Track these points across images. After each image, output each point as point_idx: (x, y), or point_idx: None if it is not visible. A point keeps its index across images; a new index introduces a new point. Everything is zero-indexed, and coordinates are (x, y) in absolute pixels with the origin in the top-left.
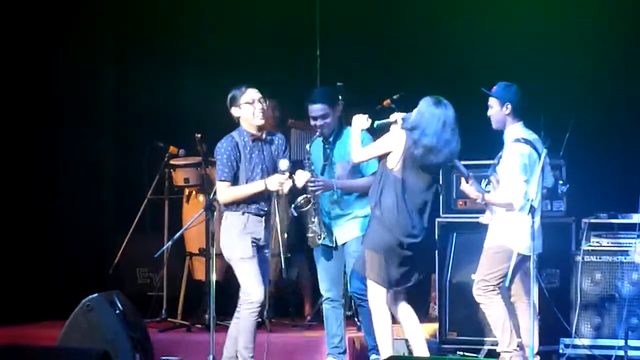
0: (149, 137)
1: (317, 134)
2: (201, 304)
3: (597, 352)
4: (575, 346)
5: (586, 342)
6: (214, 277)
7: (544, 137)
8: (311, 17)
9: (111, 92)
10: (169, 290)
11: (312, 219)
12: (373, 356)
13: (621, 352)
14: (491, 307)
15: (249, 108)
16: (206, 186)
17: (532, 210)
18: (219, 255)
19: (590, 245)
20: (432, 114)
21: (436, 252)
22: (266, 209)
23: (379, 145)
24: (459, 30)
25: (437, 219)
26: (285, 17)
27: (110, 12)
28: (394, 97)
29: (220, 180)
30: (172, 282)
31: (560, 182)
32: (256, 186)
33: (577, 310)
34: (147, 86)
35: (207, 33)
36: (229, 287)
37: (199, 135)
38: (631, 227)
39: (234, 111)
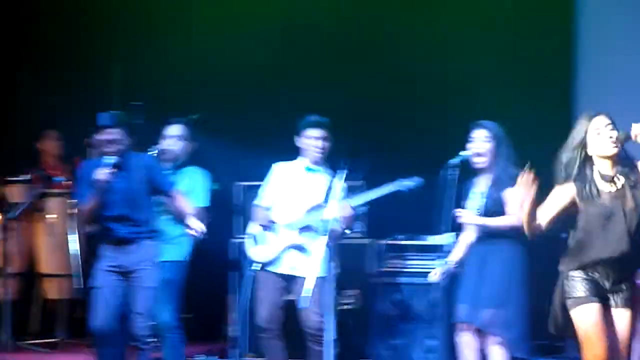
0: None
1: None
2: None
3: None
4: None
5: None
6: (9, 297)
7: (345, 158)
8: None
9: None
10: None
11: None
12: None
13: None
14: None
15: None
16: (2, 205)
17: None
18: (17, 274)
19: (388, 267)
20: None
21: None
22: (123, 232)
23: None
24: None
25: (233, 240)
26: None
27: None
28: (192, 117)
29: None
30: None
31: None
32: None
33: (375, 332)
34: None
35: None
36: (27, 308)
37: None
38: (429, 249)
39: None
